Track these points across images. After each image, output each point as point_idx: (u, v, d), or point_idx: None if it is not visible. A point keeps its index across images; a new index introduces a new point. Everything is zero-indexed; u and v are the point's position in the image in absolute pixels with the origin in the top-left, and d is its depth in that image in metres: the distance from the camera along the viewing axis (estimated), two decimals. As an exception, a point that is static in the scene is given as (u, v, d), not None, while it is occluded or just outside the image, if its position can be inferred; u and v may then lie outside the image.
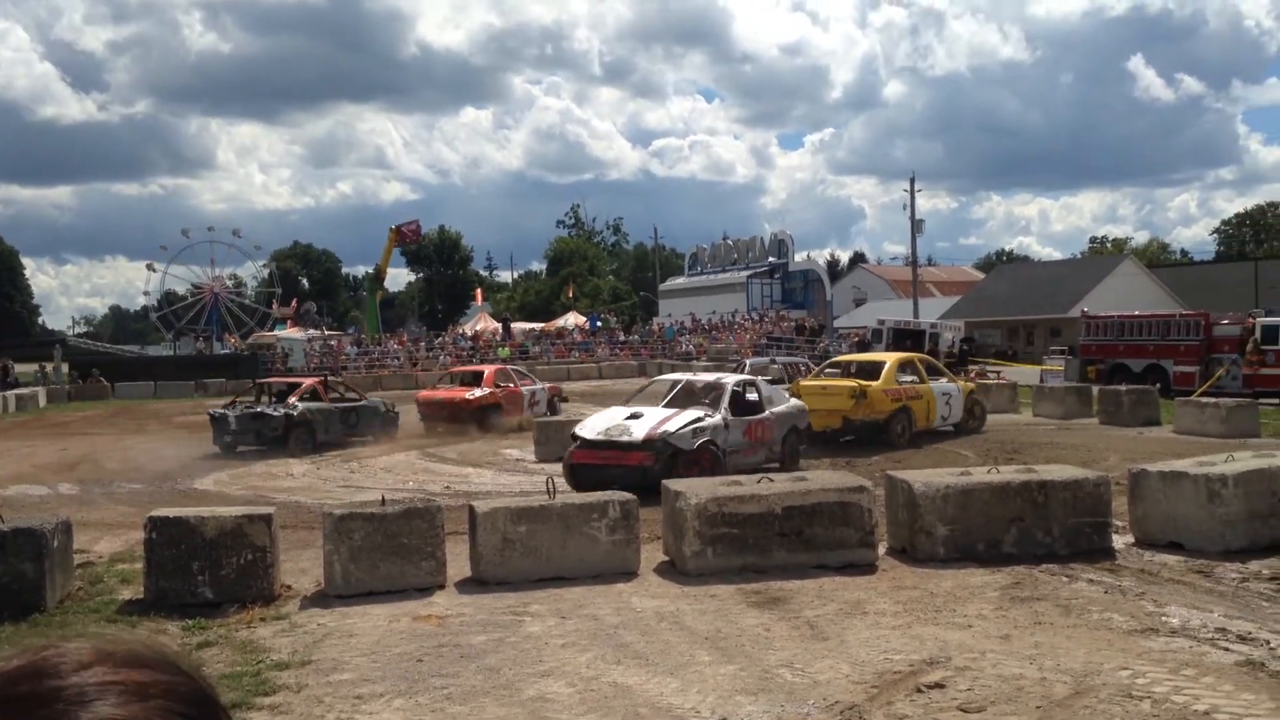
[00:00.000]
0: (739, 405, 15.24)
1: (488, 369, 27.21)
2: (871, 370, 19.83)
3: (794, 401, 17.02)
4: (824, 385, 19.30)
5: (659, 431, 13.72)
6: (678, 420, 14.09)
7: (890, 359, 20.90)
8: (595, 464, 13.74)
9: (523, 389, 24.72)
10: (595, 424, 14.65)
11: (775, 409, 15.83)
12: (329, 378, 25.26)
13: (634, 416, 14.49)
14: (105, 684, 0.83)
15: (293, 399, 20.77)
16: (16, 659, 0.85)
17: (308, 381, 22.74)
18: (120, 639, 0.90)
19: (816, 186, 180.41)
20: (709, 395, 15.33)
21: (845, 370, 20.83)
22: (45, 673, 0.84)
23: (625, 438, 13.81)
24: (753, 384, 16.41)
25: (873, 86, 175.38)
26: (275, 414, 20.13)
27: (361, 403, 22.61)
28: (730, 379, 16.44)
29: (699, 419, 14.21)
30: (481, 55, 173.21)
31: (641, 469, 13.17)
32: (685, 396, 15.49)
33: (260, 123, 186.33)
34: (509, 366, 29.82)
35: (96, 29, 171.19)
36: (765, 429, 15.38)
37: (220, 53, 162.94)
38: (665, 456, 13.41)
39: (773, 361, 26.53)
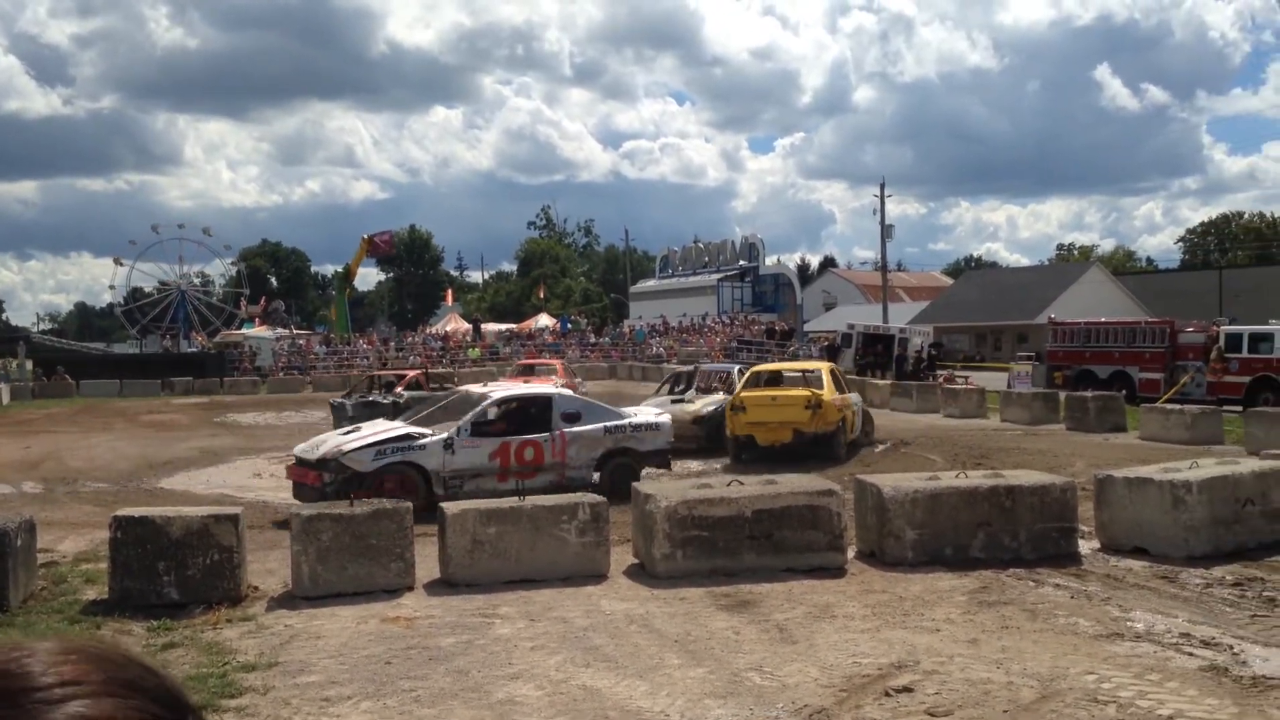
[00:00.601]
0: (510, 422, 14.23)
1: (558, 363, 32.69)
2: (792, 380, 18.98)
3: (642, 418, 15.03)
4: (773, 396, 17.80)
5: (333, 450, 12.88)
6: (369, 438, 13.18)
7: (822, 367, 20.06)
8: (295, 480, 13.43)
9: (575, 382, 28.60)
10: (312, 440, 14.23)
11: (577, 427, 14.12)
12: (429, 370, 29.77)
13: (349, 432, 13.96)
14: (76, 682, 0.83)
15: (399, 389, 25.01)
16: None
17: (411, 373, 27.73)
18: (88, 639, 0.90)
19: (787, 190, 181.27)
20: (468, 410, 14.13)
21: (758, 380, 19.18)
22: (15, 672, 0.83)
23: (308, 455, 13.19)
24: (543, 400, 14.75)
25: (842, 91, 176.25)
26: (384, 402, 23.72)
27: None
28: (501, 392, 15.11)
29: (397, 438, 13.26)
30: (452, 55, 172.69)
31: (318, 489, 12.39)
32: (458, 409, 14.48)
33: (228, 119, 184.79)
34: (564, 362, 35.56)
35: (61, 22, 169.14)
36: (545, 450, 13.81)
37: (187, 48, 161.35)
38: (340, 478, 12.48)
39: (696, 368, 25.17)
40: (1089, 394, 23.38)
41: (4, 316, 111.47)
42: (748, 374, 19.86)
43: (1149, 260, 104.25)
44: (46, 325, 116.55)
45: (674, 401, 20.41)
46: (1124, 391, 25.70)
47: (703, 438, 19.15)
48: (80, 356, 55.73)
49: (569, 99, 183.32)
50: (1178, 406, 20.96)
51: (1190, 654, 6.53)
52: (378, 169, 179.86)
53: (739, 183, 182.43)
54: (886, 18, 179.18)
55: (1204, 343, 28.27)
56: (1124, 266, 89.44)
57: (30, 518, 8.94)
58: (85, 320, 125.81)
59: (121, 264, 66.42)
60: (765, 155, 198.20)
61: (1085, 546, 9.70)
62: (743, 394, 17.83)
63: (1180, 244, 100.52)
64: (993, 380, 33.63)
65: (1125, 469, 10.58)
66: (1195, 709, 5.58)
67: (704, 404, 20.11)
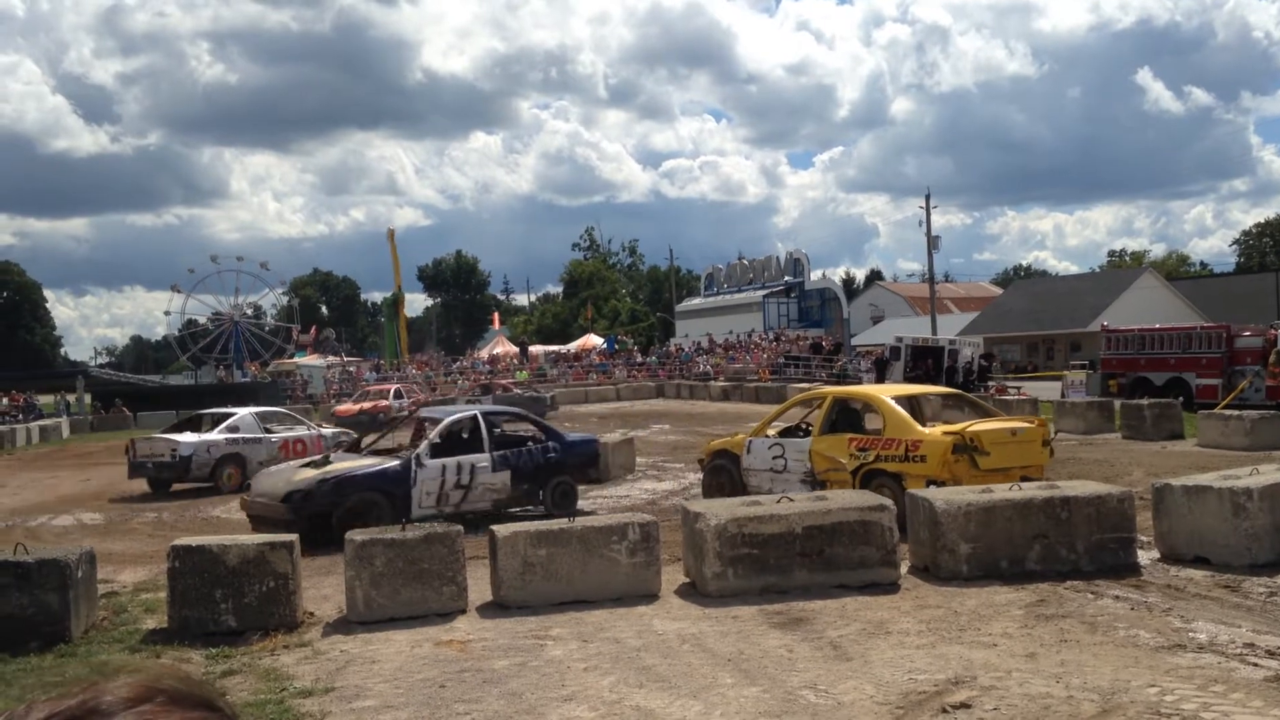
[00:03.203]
0: None
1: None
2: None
3: None
4: (1012, 429, 12.53)
5: None
6: None
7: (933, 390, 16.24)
8: None
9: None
10: None
11: None
12: None
13: None
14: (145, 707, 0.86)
15: None
16: (68, 698, 0.88)
17: None
18: (163, 675, 0.93)
19: (828, 205, 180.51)
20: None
21: (847, 412, 13.60)
22: (98, 710, 0.86)
23: None
24: None
25: (880, 104, 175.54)
26: None
27: None
28: None
29: None
30: (487, 80, 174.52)
31: None
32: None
33: (272, 151, 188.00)
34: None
35: (106, 61, 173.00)
36: None
37: (228, 83, 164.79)
38: None
39: (413, 413, 18.32)
40: (1145, 402, 23.00)
41: (62, 352, 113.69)
42: (826, 402, 13.65)
43: (1203, 264, 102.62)
44: (103, 359, 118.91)
45: (304, 465, 13.69)
46: (1181, 398, 25.26)
47: (297, 525, 11.34)
48: (137, 389, 56.56)
49: (606, 120, 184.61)
50: (1236, 412, 20.57)
51: (1255, 664, 6.39)
52: (420, 196, 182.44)
53: (780, 198, 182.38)
54: (921, 29, 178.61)
55: (1262, 347, 27.75)
56: (1177, 271, 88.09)
57: (90, 549, 9.10)
58: (140, 353, 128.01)
59: (179, 291, 67.64)
60: (805, 170, 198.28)
61: (1144, 557, 9.55)
62: (975, 428, 12.14)
63: (1235, 246, 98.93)
64: (1046, 390, 33.23)
65: (1184, 477, 10.41)
66: (1262, 721, 5.46)
67: (317, 473, 12.93)
